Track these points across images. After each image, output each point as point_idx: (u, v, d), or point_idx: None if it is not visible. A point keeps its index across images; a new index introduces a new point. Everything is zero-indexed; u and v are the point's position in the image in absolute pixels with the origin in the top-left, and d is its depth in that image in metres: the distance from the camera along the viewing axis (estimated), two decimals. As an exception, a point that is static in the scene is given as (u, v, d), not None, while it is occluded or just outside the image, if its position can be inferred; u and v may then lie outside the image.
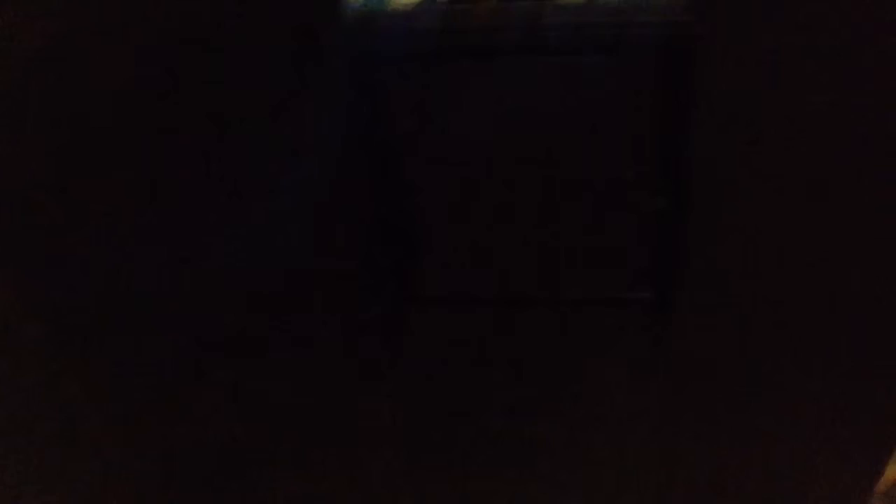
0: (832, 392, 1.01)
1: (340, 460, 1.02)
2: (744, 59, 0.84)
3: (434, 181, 0.94)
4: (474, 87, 0.85)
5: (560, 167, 0.90)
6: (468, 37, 0.81)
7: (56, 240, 1.08)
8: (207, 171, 1.00)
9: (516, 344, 1.07)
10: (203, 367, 1.06)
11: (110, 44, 1.01)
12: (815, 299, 0.99)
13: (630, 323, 1.05)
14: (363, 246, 1.01)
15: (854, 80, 0.89)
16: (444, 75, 0.85)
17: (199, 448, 1.03)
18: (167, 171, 1.01)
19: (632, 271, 1.00)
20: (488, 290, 1.03)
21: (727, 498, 0.99)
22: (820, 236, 0.95)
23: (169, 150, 1.01)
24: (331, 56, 0.86)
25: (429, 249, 1.01)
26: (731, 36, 0.81)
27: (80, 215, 1.08)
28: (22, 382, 1.08)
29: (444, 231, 0.99)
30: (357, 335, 1.06)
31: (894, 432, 0.97)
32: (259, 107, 0.95)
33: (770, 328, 1.01)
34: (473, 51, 0.82)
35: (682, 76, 0.81)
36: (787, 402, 1.04)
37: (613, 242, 0.96)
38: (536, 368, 1.07)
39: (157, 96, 0.97)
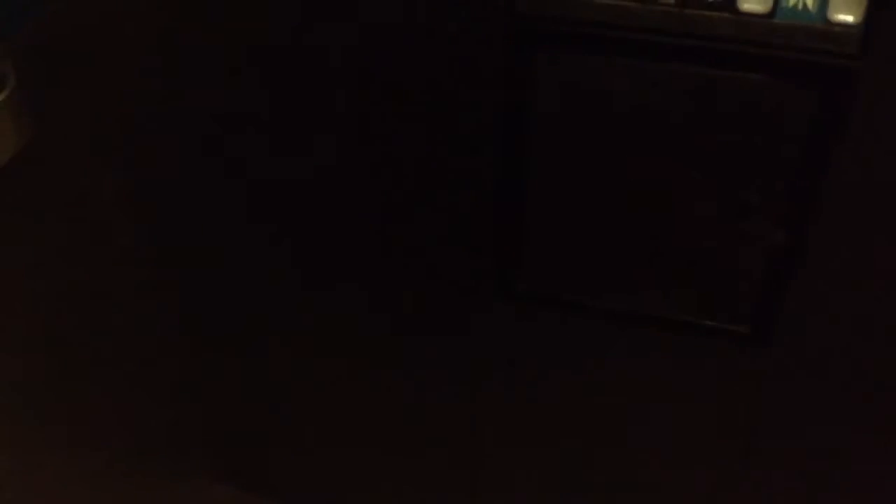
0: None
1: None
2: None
3: (559, 175, 0.95)
4: (629, 88, 0.87)
5: (690, 183, 0.91)
6: (635, 34, 0.83)
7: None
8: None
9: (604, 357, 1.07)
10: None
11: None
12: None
13: (722, 355, 1.04)
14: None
15: None
16: (599, 69, 0.87)
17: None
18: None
19: (734, 300, 0.99)
20: (588, 298, 1.03)
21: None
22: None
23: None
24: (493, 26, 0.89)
25: (536, 244, 1.01)
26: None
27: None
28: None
29: (555, 229, 0.99)
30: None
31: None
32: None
33: (854, 384, 1.00)
34: (638, 49, 0.84)
35: (840, 112, 0.83)
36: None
37: (725, 266, 0.96)
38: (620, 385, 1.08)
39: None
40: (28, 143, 0.92)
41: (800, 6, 0.81)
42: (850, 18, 0.81)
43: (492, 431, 1.21)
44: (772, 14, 0.82)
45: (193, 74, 1.03)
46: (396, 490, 1.35)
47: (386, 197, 1.04)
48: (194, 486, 1.42)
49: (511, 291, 1.06)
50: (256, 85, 1.01)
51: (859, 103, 0.83)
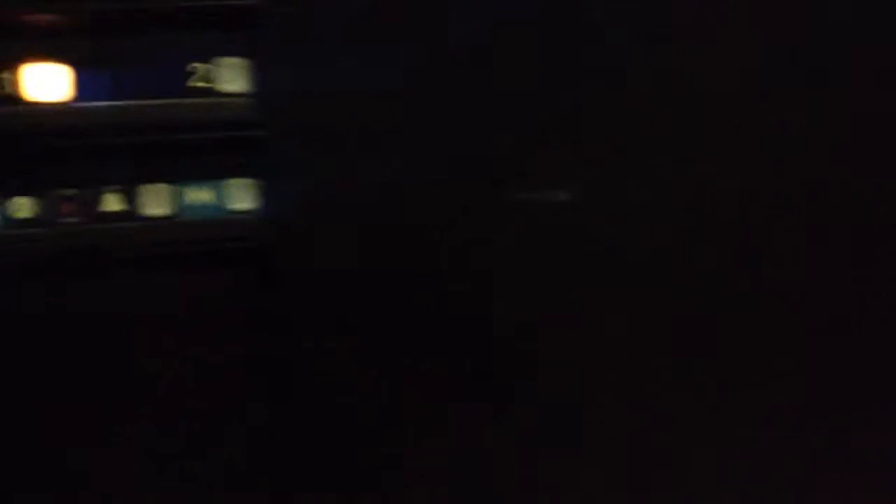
0: None
1: None
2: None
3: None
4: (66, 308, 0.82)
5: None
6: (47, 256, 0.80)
7: None
8: None
9: None
10: None
11: None
12: None
13: None
14: None
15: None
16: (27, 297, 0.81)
17: None
18: None
19: None
20: None
21: None
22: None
23: None
24: None
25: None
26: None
27: None
28: None
29: None
30: None
31: None
32: None
33: None
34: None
35: (267, 291, 0.86)
36: None
37: None
38: None
39: None
40: None
41: (200, 203, 0.86)
42: (247, 206, 0.87)
43: None
44: (177, 214, 0.86)
45: None
46: None
47: None
48: None
49: None
50: None
51: (280, 277, 0.87)
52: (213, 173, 0.86)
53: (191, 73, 0.86)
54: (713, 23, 0.88)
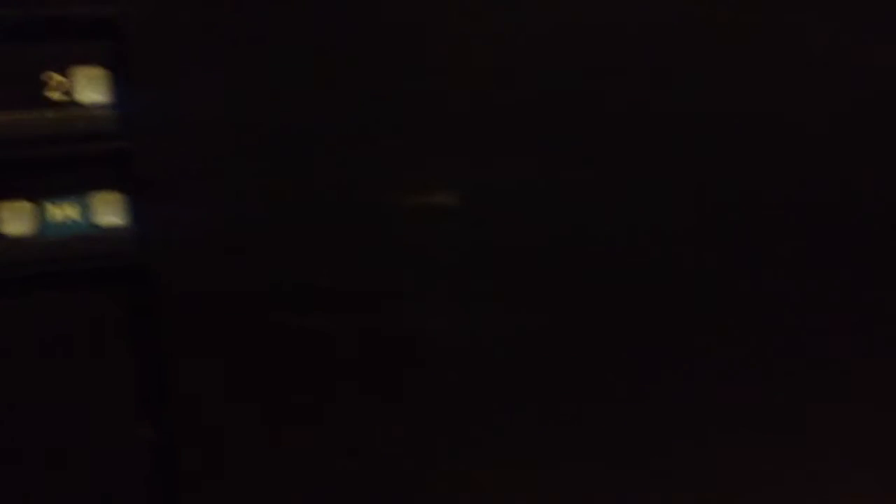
0: None
1: None
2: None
3: None
4: None
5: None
6: None
7: None
8: None
9: None
10: None
11: None
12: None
13: None
14: None
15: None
16: None
17: None
18: None
19: None
20: None
21: None
22: None
23: None
24: None
25: None
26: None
27: None
28: None
29: None
30: None
31: None
32: None
33: None
34: None
35: (145, 307, 0.83)
36: None
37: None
38: None
39: None
40: None
41: (65, 219, 0.82)
42: (117, 220, 0.84)
43: None
44: (40, 233, 0.82)
45: None
46: None
47: None
48: None
49: None
50: None
51: (159, 297, 0.85)
52: (76, 189, 0.83)
53: (47, 84, 0.82)
54: (596, 23, 0.90)
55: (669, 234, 0.95)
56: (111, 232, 0.84)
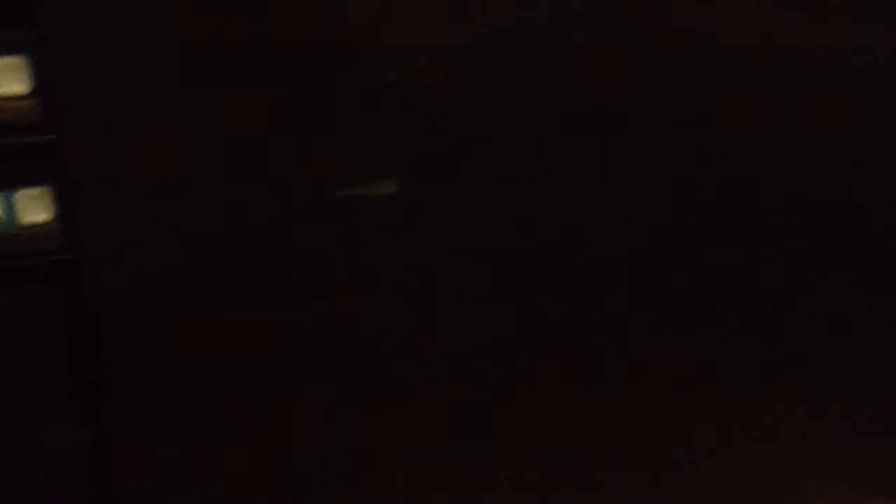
0: None
1: None
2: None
3: None
4: None
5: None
6: None
7: None
8: None
9: None
10: None
11: None
12: None
13: None
14: None
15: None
16: None
17: None
18: None
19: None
20: None
21: None
22: None
23: None
24: None
25: None
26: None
27: None
28: None
29: None
30: None
31: None
32: None
33: None
34: None
35: (81, 302, 0.80)
36: None
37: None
38: None
39: None
40: None
41: (-12, 217, 0.79)
42: (40, 218, 0.80)
43: None
44: (-38, 231, 0.78)
45: None
46: None
47: None
48: None
49: None
50: None
51: (90, 288, 0.82)
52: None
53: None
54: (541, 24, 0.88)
55: (603, 225, 0.96)
56: (38, 228, 0.80)
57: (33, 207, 0.80)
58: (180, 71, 0.80)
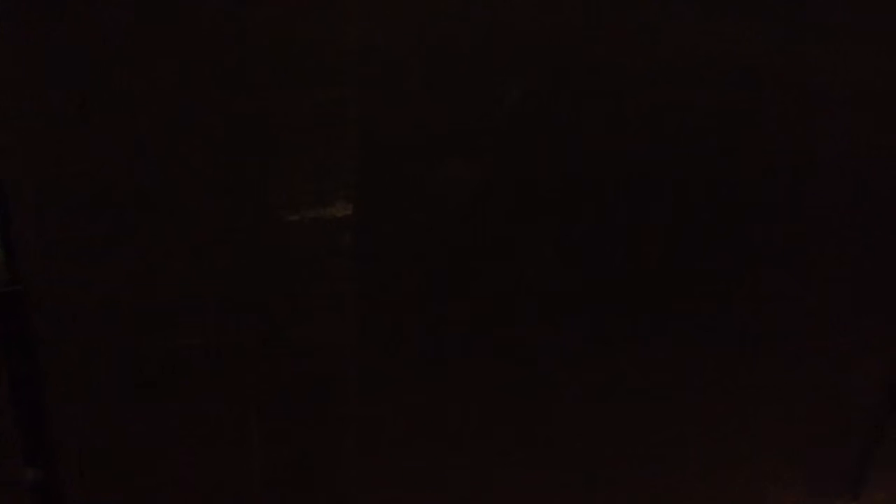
0: None
1: None
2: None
3: None
4: None
5: None
6: None
7: None
8: None
9: None
10: None
11: None
12: None
13: None
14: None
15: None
16: None
17: None
18: None
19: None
20: None
21: None
22: None
23: None
24: None
25: None
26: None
27: None
28: None
29: None
30: None
31: None
32: None
33: None
34: None
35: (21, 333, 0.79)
36: None
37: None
38: None
39: None
40: None
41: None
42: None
43: None
44: None
45: None
46: None
47: None
48: None
49: None
50: None
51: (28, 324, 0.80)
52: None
53: None
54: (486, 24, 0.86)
55: (564, 244, 0.95)
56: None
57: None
58: (122, 90, 0.78)
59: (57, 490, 0.83)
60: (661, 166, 0.94)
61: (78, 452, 0.84)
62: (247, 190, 0.84)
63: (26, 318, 0.80)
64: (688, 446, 1.08)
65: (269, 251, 0.86)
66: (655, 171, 0.94)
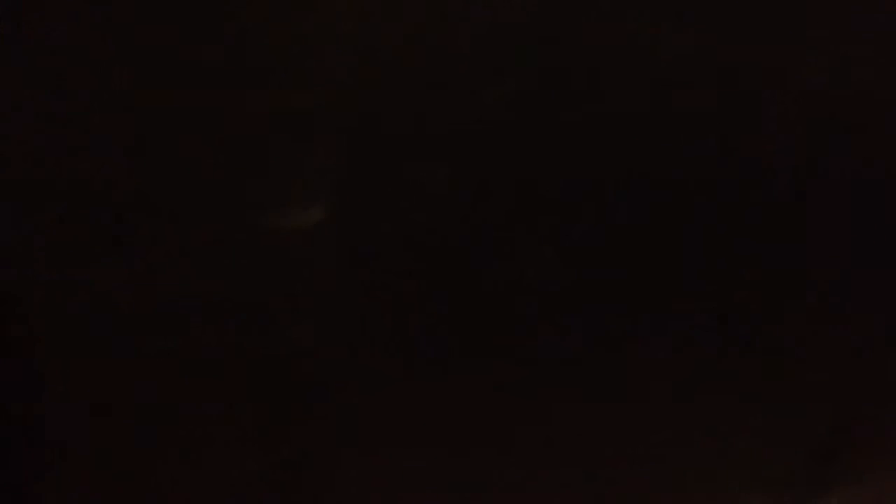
0: None
1: None
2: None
3: None
4: None
5: None
6: None
7: None
8: None
9: None
10: None
11: None
12: None
13: None
14: None
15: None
16: None
17: None
18: None
19: None
20: None
21: None
22: None
23: None
24: None
25: None
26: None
27: None
28: None
29: None
30: None
31: None
32: None
33: None
34: None
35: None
36: None
37: None
38: None
39: None
40: None
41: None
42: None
43: None
44: None
45: None
46: None
47: None
48: None
49: None
50: None
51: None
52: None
53: None
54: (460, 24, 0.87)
55: (550, 247, 0.94)
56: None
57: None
58: (95, 94, 0.78)
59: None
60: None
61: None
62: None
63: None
64: (688, 446, 1.08)
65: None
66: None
